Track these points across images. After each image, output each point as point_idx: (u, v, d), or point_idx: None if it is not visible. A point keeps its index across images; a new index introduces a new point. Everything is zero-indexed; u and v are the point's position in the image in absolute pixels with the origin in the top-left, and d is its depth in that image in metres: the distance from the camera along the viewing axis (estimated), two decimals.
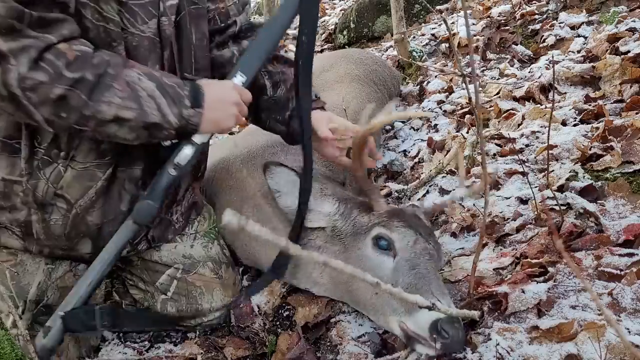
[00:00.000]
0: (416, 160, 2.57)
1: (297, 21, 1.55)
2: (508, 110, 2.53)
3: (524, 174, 1.94)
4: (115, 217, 1.57)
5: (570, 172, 1.83)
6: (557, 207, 1.63)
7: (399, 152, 2.76)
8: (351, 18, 4.96)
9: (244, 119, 1.57)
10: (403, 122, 3.05)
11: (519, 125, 2.40)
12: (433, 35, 4.00)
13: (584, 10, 3.23)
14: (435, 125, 2.84)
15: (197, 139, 1.46)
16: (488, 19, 3.62)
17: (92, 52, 1.31)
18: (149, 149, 1.55)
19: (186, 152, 1.46)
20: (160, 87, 1.36)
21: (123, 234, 1.48)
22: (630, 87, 2.25)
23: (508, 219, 1.78)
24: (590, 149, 1.90)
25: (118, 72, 1.32)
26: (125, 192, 1.58)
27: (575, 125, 2.19)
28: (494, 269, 1.58)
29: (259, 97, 1.74)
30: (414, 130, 2.94)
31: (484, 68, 3.25)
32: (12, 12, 1.18)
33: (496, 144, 2.30)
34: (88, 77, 1.27)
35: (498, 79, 3.00)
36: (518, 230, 1.70)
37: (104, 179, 1.52)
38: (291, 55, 1.70)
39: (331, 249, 1.63)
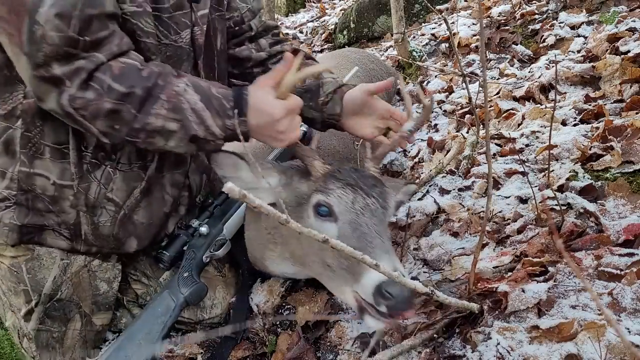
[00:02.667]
0: (416, 160, 2.57)
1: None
2: (508, 110, 2.53)
3: (524, 173, 1.94)
4: (160, 218, 1.68)
5: (570, 172, 1.83)
6: (557, 207, 1.63)
7: (399, 152, 2.76)
8: (351, 18, 4.96)
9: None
10: None
11: (519, 125, 2.40)
12: (433, 35, 4.00)
13: (584, 10, 3.23)
14: (435, 125, 2.84)
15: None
16: (488, 19, 3.62)
17: (141, 65, 1.35)
18: (187, 157, 1.68)
19: (222, 251, 1.65)
20: (206, 99, 1.37)
21: (175, 312, 1.54)
22: (630, 87, 2.25)
23: (508, 218, 1.78)
24: (590, 149, 1.90)
25: (167, 83, 1.36)
26: (167, 195, 1.69)
27: (575, 125, 2.19)
28: (494, 267, 1.58)
29: None
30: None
31: (483, 69, 3.25)
32: (67, 40, 1.23)
33: (496, 144, 2.30)
34: (137, 92, 1.31)
35: (498, 78, 3.00)
36: (519, 231, 1.70)
37: (146, 179, 1.61)
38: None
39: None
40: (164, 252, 1.60)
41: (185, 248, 1.66)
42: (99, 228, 1.59)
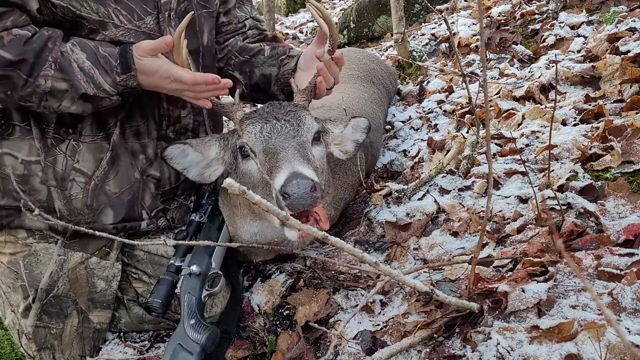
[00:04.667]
0: (416, 160, 2.57)
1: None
2: (508, 110, 2.53)
3: (524, 173, 1.94)
4: (131, 185, 1.70)
5: (570, 171, 1.83)
6: (557, 207, 1.63)
7: (399, 152, 2.76)
8: (351, 18, 4.96)
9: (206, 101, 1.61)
10: (403, 122, 3.06)
11: (519, 125, 2.40)
12: (433, 35, 4.00)
13: (584, 10, 3.23)
14: (435, 125, 2.84)
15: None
16: (488, 18, 3.62)
17: (32, 34, 1.42)
18: (140, 125, 1.70)
19: (219, 287, 1.65)
20: (93, 57, 1.46)
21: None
22: (630, 87, 2.25)
23: (508, 218, 1.78)
24: (590, 149, 1.90)
25: (55, 45, 1.43)
26: (136, 161, 1.71)
27: (575, 125, 2.19)
28: (493, 267, 1.58)
29: (256, 57, 1.94)
30: (414, 130, 2.94)
31: (483, 68, 3.25)
32: None
33: (496, 144, 2.30)
34: (27, 58, 1.39)
35: (498, 78, 3.00)
36: (519, 231, 1.70)
37: (110, 149, 1.64)
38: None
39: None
40: (154, 299, 1.56)
41: (177, 291, 1.61)
42: (72, 202, 1.62)
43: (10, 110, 1.57)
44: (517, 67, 3.09)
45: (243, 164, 1.57)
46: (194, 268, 1.59)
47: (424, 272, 1.70)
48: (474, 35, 3.59)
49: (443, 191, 2.14)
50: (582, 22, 3.11)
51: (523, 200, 1.84)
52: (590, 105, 2.29)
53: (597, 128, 2.03)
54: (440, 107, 2.98)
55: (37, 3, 1.45)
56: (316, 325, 1.47)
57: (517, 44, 3.29)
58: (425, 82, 3.38)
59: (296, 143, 1.48)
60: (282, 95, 1.91)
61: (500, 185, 1.99)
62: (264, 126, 1.51)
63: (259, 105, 1.68)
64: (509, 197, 1.88)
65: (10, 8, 1.40)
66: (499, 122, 2.50)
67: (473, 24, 3.75)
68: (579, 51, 2.82)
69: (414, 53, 3.71)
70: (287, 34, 5.90)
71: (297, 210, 1.30)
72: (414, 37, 4.15)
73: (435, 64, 3.65)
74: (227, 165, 1.69)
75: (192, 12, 1.60)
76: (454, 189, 2.13)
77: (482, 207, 1.90)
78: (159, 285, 1.60)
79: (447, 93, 3.14)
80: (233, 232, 1.81)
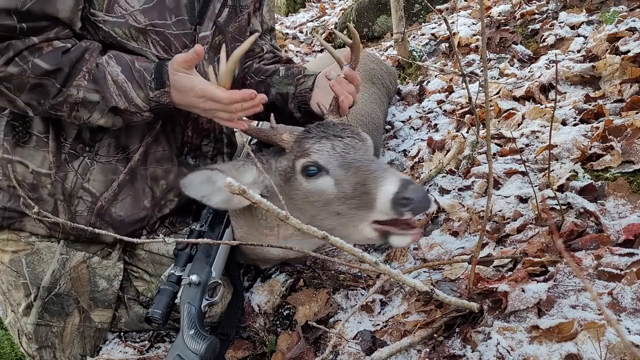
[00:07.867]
0: (416, 160, 2.57)
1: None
2: (508, 110, 2.53)
3: (524, 173, 1.94)
4: (138, 211, 1.68)
5: (570, 171, 1.83)
6: (557, 207, 1.63)
7: (399, 152, 2.76)
8: (351, 18, 4.96)
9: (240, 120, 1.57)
10: (403, 122, 3.06)
11: (518, 125, 2.40)
12: (433, 34, 4.00)
13: (584, 10, 3.23)
14: (435, 125, 2.84)
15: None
16: (488, 18, 3.62)
17: (71, 46, 1.42)
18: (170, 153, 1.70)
19: (219, 296, 1.63)
20: (128, 71, 1.45)
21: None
22: (630, 86, 2.25)
23: (508, 217, 1.78)
24: (590, 149, 1.90)
25: (92, 57, 1.43)
26: (149, 189, 1.69)
27: (575, 125, 2.19)
28: (493, 267, 1.58)
29: (271, 78, 1.93)
30: (414, 130, 2.94)
31: (484, 67, 3.25)
32: (3, 27, 1.31)
33: (496, 144, 2.30)
34: (64, 68, 1.38)
35: (498, 78, 3.00)
36: (519, 230, 1.70)
37: (125, 172, 1.63)
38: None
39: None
40: (155, 310, 1.54)
41: (177, 301, 1.59)
42: (76, 218, 1.62)
43: (30, 118, 1.57)
44: (517, 67, 3.09)
45: (308, 184, 1.48)
46: (194, 278, 1.57)
47: (424, 271, 1.70)
48: (474, 35, 3.59)
49: (443, 191, 2.14)
50: (582, 22, 3.11)
51: (523, 200, 1.84)
52: (590, 105, 2.30)
53: (597, 128, 2.03)
54: (440, 107, 2.98)
55: (81, 22, 1.45)
56: (315, 324, 1.46)
57: (517, 44, 3.29)
58: (425, 82, 3.38)
59: (372, 157, 1.48)
60: (299, 114, 1.88)
61: (500, 185, 1.99)
62: (334, 143, 1.47)
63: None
64: (509, 197, 1.88)
65: (53, 22, 1.40)
66: (499, 122, 2.51)
67: (473, 24, 3.75)
68: (579, 51, 2.82)
69: (414, 53, 3.71)
70: (287, 34, 5.90)
71: (418, 213, 1.31)
72: (414, 37, 4.15)
73: (435, 64, 3.65)
74: (265, 190, 1.58)
75: (256, 33, 1.63)
76: (454, 189, 2.13)
77: (482, 207, 1.91)
78: (159, 295, 1.58)
79: (447, 93, 3.14)
80: (255, 255, 1.80)
